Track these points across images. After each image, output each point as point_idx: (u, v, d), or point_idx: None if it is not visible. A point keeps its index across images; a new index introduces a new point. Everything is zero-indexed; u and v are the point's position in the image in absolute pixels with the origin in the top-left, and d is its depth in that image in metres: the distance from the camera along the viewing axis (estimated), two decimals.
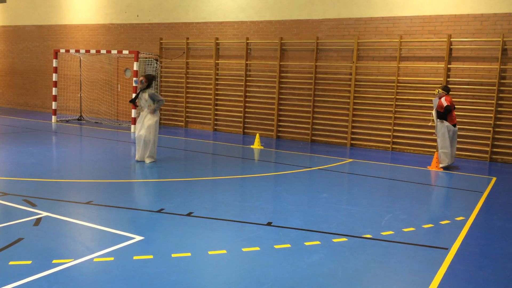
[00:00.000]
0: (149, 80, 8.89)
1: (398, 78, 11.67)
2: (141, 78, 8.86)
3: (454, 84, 11.11)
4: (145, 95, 8.84)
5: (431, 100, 11.41)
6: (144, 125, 8.88)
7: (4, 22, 19.38)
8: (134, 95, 9.03)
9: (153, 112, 8.87)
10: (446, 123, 9.49)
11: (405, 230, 5.62)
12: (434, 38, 11.25)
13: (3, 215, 5.60)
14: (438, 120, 9.58)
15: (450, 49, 11.08)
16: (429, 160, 10.50)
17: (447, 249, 5.03)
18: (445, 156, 9.58)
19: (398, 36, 11.59)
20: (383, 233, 5.46)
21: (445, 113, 9.41)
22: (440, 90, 9.60)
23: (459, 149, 11.04)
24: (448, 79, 11.17)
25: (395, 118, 11.83)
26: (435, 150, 11.21)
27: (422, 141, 11.59)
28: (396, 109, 11.81)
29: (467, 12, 10.89)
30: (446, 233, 5.60)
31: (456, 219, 6.18)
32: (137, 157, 9.12)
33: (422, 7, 11.35)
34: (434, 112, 9.75)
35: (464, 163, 10.61)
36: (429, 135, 11.46)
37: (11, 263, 4.18)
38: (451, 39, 11.00)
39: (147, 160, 9.05)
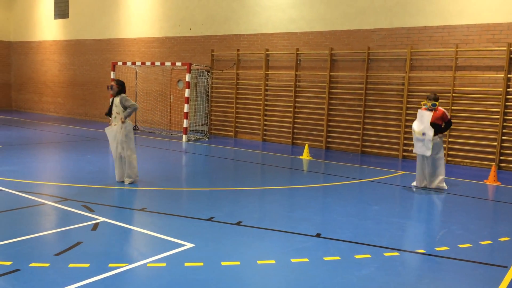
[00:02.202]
0: (120, 85, 7.90)
1: (454, 88, 11.28)
2: (111, 84, 7.94)
3: None
4: (116, 101, 7.86)
5: (489, 111, 10.93)
6: (118, 140, 7.86)
7: (66, 37, 20.55)
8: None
9: (123, 120, 7.80)
10: (441, 137, 8.38)
11: (461, 246, 5.39)
12: (493, 47, 10.80)
13: (63, 219, 5.91)
14: (437, 136, 8.22)
15: (510, 58, 10.58)
16: (486, 173, 10.03)
17: (506, 267, 4.78)
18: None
19: (454, 45, 11.22)
20: (438, 249, 5.27)
21: (447, 127, 8.33)
22: (430, 101, 8.18)
23: None
24: (508, 89, 10.66)
25: (451, 129, 11.42)
26: (493, 163, 10.71)
27: (479, 154, 11.10)
28: (452, 120, 11.38)
29: None
30: (505, 250, 5.32)
31: None
32: (117, 177, 8.09)
33: (479, 15, 10.94)
34: (425, 129, 8.10)
35: None
36: (487, 147, 10.96)
37: (71, 265, 4.40)
38: (511, 48, 10.52)
39: (126, 181, 7.97)
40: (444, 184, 8.40)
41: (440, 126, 8.23)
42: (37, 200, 6.67)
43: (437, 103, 8.13)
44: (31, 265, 4.36)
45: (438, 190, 8.30)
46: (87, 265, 4.41)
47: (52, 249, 4.82)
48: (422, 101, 8.61)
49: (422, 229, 6.01)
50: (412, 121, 11.98)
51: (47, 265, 4.38)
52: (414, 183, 8.62)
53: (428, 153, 8.12)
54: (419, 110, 8.36)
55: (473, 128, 11.17)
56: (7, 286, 3.94)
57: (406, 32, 11.95)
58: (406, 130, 12.05)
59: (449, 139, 11.43)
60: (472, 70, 11.12)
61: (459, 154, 11.38)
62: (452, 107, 11.33)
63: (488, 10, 10.84)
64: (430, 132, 8.04)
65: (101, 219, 5.88)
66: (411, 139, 12.20)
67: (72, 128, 16.38)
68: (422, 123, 8.16)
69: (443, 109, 8.32)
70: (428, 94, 8.66)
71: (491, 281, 4.44)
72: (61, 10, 20.57)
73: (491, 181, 9.24)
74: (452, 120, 8.42)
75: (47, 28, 21.36)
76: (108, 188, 7.71)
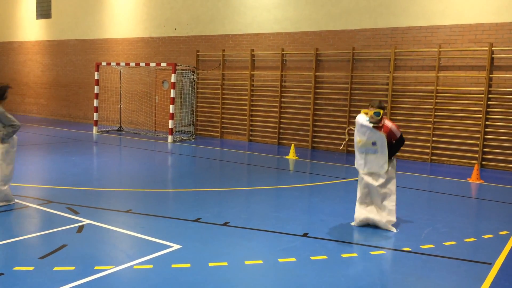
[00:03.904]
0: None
1: (437, 88, 11.43)
2: None
3: (497, 94, 10.77)
4: None
5: (472, 111, 11.10)
6: None
7: (49, 37, 20.27)
8: None
9: (1, 140, 6.24)
10: (393, 160, 5.99)
11: (446, 243, 5.46)
12: (475, 47, 10.97)
13: (48, 222, 5.83)
14: (390, 160, 5.89)
15: (492, 58, 10.76)
16: (469, 172, 10.18)
17: (490, 264, 4.86)
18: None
19: (437, 45, 11.37)
20: (423, 247, 5.33)
21: (398, 147, 5.97)
22: (373, 109, 5.80)
23: (509, 161, 10.66)
24: (490, 88, 10.84)
25: (434, 128, 11.56)
26: (475, 162, 10.88)
27: (462, 153, 11.26)
28: (435, 120, 11.54)
29: (510, 20, 10.57)
30: (489, 248, 5.40)
31: (499, 233, 5.96)
32: None
33: (462, 15, 11.10)
34: (374, 136, 5.80)
35: (509, 175, 10.23)
36: (470, 146, 11.12)
37: (55, 268, 4.33)
38: (493, 48, 10.70)
39: None
40: (394, 228, 5.88)
41: (389, 146, 5.86)
42: (20, 203, 6.56)
43: (381, 111, 5.78)
44: (15, 268, 4.29)
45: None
46: (73, 268, 4.35)
47: (37, 253, 4.74)
48: (363, 110, 6.04)
49: (408, 227, 6.07)
50: (398, 121, 12.15)
51: (31, 268, 4.31)
52: (354, 222, 6.09)
53: (385, 168, 5.80)
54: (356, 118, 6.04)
55: (456, 127, 11.33)
56: None
57: (390, 32, 12.07)
58: None
59: (433, 138, 11.57)
60: (455, 70, 11.28)
61: (443, 153, 11.53)
62: (436, 107, 11.47)
63: (470, 11, 11.00)
64: (382, 139, 5.76)
65: (86, 221, 5.81)
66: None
67: (56, 130, 16.15)
68: (365, 132, 5.86)
69: (390, 125, 5.91)
70: (372, 99, 6.33)
71: (476, 277, 4.50)
72: (43, 10, 20.28)
73: (474, 179, 9.38)
74: (403, 138, 5.99)
75: (29, 28, 21.04)
76: (93, 190, 7.62)
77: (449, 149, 11.46)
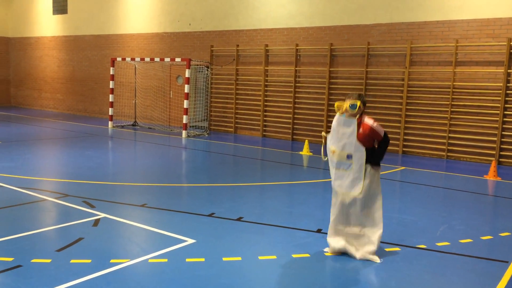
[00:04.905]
0: None
1: (454, 83, 11.27)
2: None
3: None
4: None
5: (489, 107, 10.92)
6: None
7: (65, 32, 20.48)
8: None
9: None
10: (377, 169, 4.81)
11: (462, 241, 5.41)
12: (493, 42, 10.78)
13: (64, 215, 5.91)
14: (369, 165, 4.71)
15: (510, 53, 10.57)
16: (486, 169, 10.04)
17: (507, 262, 4.79)
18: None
19: (454, 40, 11.20)
20: (438, 244, 5.28)
21: (384, 147, 4.82)
22: (350, 100, 4.79)
23: None
24: (507, 84, 10.65)
25: (451, 125, 11.41)
26: (493, 158, 10.72)
27: (479, 149, 11.10)
28: (451, 116, 11.39)
29: None
30: (506, 246, 5.33)
31: None
32: None
33: (479, 10, 10.92)
34: (351, 147, 4.66)
35: None
36: (487, 142, 10.96)
37: (72, 261, 4.40)
38: (511, 43, 10.50)
39: None
40: (376, 256, 4.71)
41: (371, 150, 4.75)
42: (38, 196, 6.67)
43: (358, 103, 4.70)
44: (32, 261, 4.36)
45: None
46: (89, 261, 4.41)
47: (54, 245, 4.82)
48: (336, 103, 4.92)
49: (423, 224, 6.02)
50: (413, 116, 12.03)
51: (48, 261, 4.38)
52: (327, 249, 4.93)
53: (357, 190, 4.68)
54: (335, 117, 4.84)
55: (473, 123, 11.17)
56: (9, 282, 3.94)
57: (406, 27, 11.92)
58: (406, 125, 12.04)
59: (449, 134, 11.42)
60: (472, 65, 11.11)
61: (459, 149, 11.39)
62: (452, 103, 11.31)
63: (488, 5, 10.81)
64: (360, 152, 4.65)
65: (102, 215, 5.88)
66: (412, 134, 12.25)
67: (72, 124, 16.35)
68: (341, 138, 4.71)
69: (372, 122, 4.78)
70: (350, 92, 5.28)
71: (493, 276, 4.45)
72: (60, 5, 20.49)
73: (491, 176, 9.25)
74: (388, 138, 4.82)
75: (45, 24, 21.27)
76: (108, 184, 7.70)
77: (466, 146, 11.31)
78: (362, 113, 4.83)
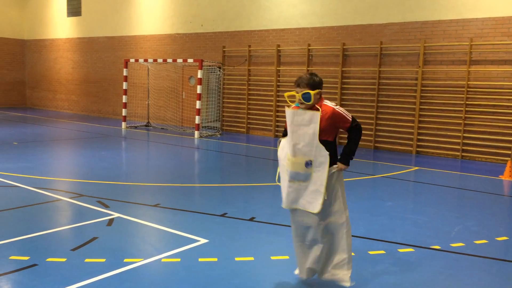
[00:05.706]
0: None
1: (468, 82, 11.14)
2: None
3: None
4: None
5: (505, 106, 10.77)
6: None
7: (79, 34, 20.71)
8: None
9: None
10: (341, 175, 3.98)
11: (477, 242, 5.34)
12: (508, 40, 10.63)
13: (79, 215, 5.98)
14: (332, 167, 3.84)
15: None
16: (502, 169, 9.90)
17: None
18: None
19: (468, 39, 11.07)
20: (453, 245, 5.22)
21: (358, 136, 3.91)
22: (301, 89, 3.81)
23: None
24: None
25: (465, 124, 11.28)
26: (508, 158, 10.56)
27: (494, 149, 10.96)
28: (466, 115, 11.26)
29: None
30: None
31: None
32: None
33: (494, 8, 10.77)
34: (309, 151, 3.71)
35: None
36: (502, 142, 10.81)
37: (87, 260, 4.45)
38: None
39: None
40: (347, 277, 3.91)
41: (331, 143, 3.81)
42: (52, 196, 6.75)
43: (312, 92, 3.74)
44: (48, 260, 4.42)
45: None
46: (103, 260, 4.46)
47: (69, 244, 4.88)
48: (288, 92, 4.17)
49: (437, 225, 5.96)
50: (427, 116, 11.92)
51: (63, 260, 4.43)
52: (297, 271, 4.19)
53: (317, 207, 3.76)
54: (286, 111, 3.88)
55: (488, 123, 11.03)
56: (25, 280, 4.00)
57: (419, 26, 11.82)
58: (419, 125, 11.94)
59: (464, 134, 11.29)
60: (487, 64, 10.97)
61: (474, 149, 11.25)
62: (467, 102, 11.19)
63: (503, 3, 10.66)
64: (322, 157, 3.70)
65: (116, 214, 5.94)
66: (427, 134, 12.14)
67: (86, 125, 16.52)
68: (298, 140, 3.73)
69: (334, 105, 3.84)
70: (300, 76, 4.00)
71: (508, 277, 4.39)
72: (74, 8, 20.73)
73: (506, 177, 9.12)
74: (360, 126, 3.91)
75: (60, 26, 21.54)
76: (122, 184, 7.77)
77: (481, 146, 11.17)
78: (317, 99, 3.78)
